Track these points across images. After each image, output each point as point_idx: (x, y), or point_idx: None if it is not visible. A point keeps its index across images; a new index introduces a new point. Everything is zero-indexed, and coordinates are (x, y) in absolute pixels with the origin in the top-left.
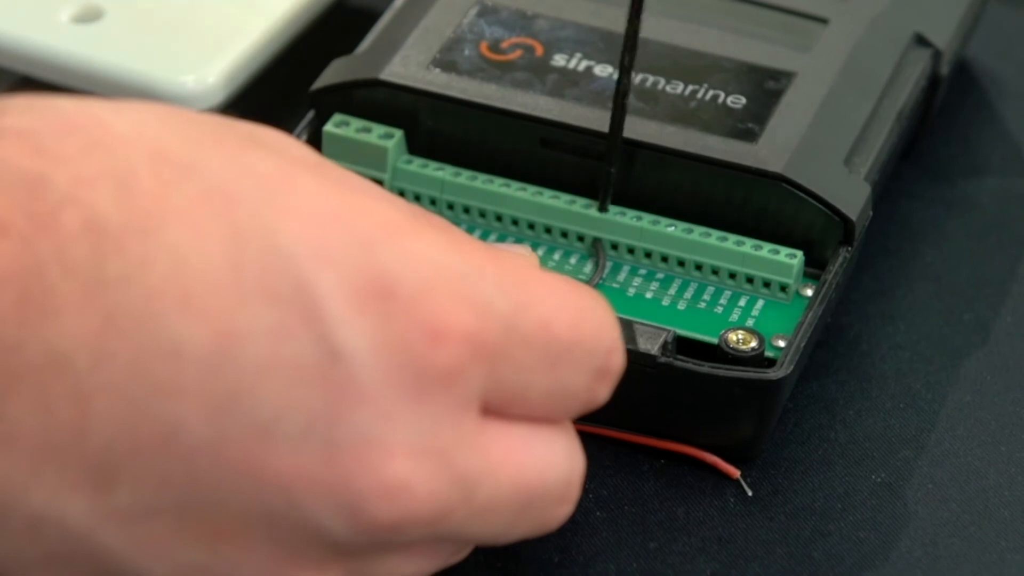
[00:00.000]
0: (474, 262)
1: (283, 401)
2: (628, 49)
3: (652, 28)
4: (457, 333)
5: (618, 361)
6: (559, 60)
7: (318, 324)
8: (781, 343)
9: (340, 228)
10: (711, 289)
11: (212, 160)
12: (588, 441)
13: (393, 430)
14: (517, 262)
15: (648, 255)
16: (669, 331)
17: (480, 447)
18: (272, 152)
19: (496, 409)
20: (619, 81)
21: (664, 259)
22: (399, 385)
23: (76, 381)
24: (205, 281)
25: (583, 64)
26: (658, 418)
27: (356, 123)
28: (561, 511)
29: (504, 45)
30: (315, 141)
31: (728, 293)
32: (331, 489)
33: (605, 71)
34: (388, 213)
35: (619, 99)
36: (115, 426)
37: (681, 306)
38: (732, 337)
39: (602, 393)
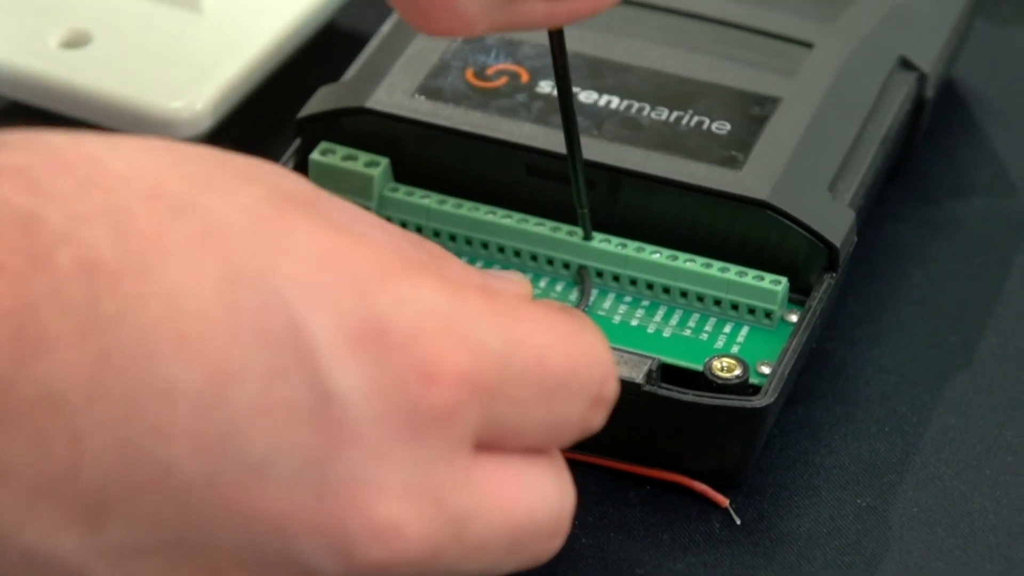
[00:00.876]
0: (467, 302)
1: (276, 442)
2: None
3: (636, 54)
4: (451, 375)
5: (612, 388)
6: (544, 87)
7: (311, 366)
8: (766, 370)
9: (334, 270)
10: (696, 316)
11: (208, 198)
12: (574, 468)
13: (385, 472)
14: (510, 296)
15: (633, 282)
16: (654, 359)
17: (472, 485)
18: (268, 189)
19: (492, 443)
20: (566, 132)
21: (649, 286)
22: (392, 427)
23: (70, 420)
24: (200, 322)
25: None
26: (643, 445)
27: (342, 151)
28: (552, 545)
29: (490, 72)
30: (301, 169)
31: (713, 320)
32: (323, 530)
33: (591, 98)
34: (381, 255)
35: (572, 154)
36: (108, 465)
37: (666, 333)
38: (716, 364)
39: (597, 420)
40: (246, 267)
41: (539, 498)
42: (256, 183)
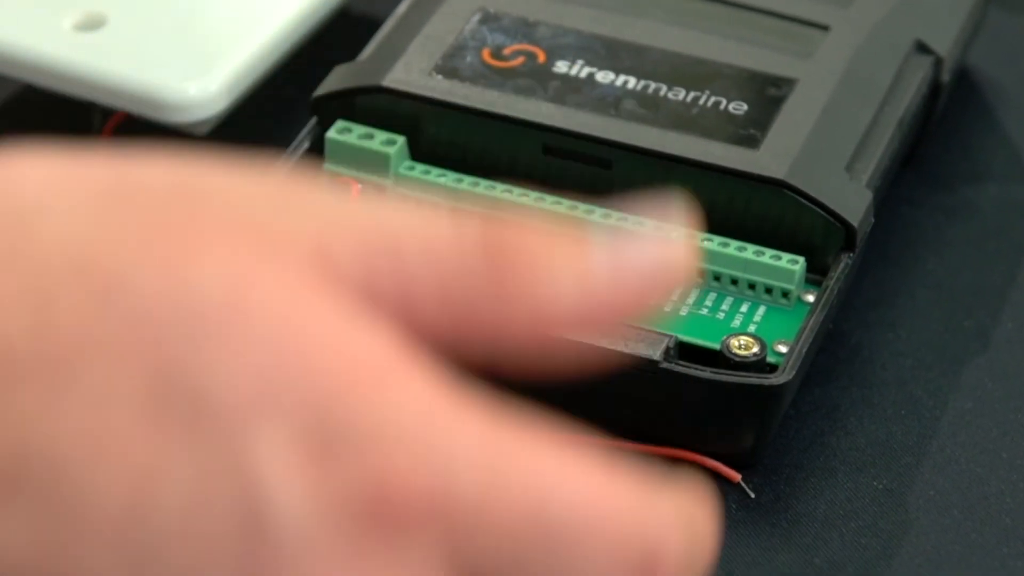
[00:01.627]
0: (451, 423)
1: (198, 568)
2: None
3: (653, 35)
4: (407, 496)
5: (670, 560)
6: (561, 67)
7: (246, 480)
8: (783, 349)
9: (293, 369)
10: (713, 295)
11: (145, 272)
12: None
13: None
14: (524, 427)
15: None
16: (671, 336)
17: None
18: (233, 251)
19: None
20: None
21: None
22: (327, 556)
23: None
24: (123, 425)
25: (585, 71)
26: (660, 424)
27: (358, 129)
28: None
29: (506, 52)
30: (317, 147)
31: (730, 299)
32: None
33: (607, 78)
34: (360, 352)
35: None
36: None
37: (683, 312)
38: (734, 343)
39: None
40: (181, 363)
41: None
42: (219, 240)
